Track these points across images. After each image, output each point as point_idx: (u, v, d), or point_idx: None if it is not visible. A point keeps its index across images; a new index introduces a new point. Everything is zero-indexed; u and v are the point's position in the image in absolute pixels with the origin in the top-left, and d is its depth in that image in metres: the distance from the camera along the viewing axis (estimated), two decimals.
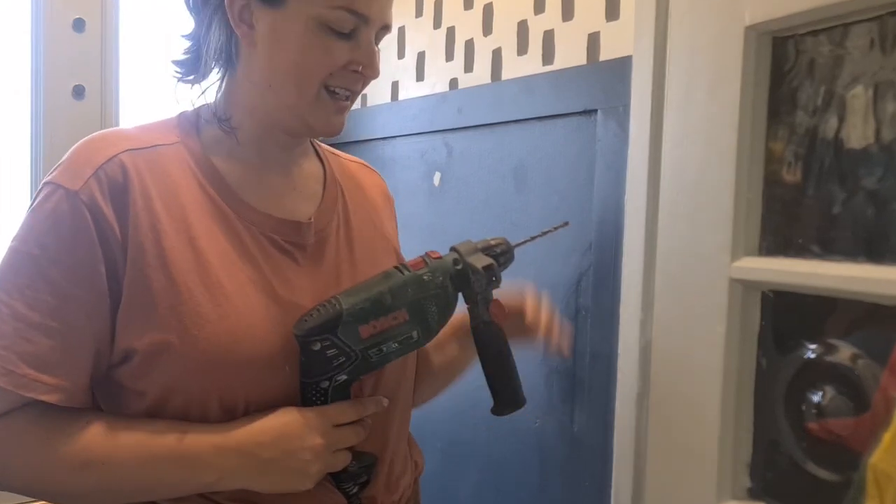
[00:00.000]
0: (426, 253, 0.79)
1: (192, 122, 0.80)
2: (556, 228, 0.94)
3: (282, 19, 0.73)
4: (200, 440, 0.69)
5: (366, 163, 0.98)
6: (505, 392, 0.83)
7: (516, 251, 0.85)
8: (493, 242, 0.84)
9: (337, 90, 0.76)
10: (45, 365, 0.67)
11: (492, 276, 0.80)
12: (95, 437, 0.69)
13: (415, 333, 0.76)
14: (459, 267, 0.79)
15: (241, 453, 0.70)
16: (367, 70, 0.77)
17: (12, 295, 0.68)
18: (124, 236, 0.70)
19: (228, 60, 0.78)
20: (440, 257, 0.79)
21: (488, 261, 0.80)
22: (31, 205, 0.71)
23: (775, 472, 0.85)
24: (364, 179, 0.95)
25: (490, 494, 1.31)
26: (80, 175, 0.70)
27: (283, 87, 0.75)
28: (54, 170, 0.72)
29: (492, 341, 0.83)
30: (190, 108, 0.82)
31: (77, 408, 0.70)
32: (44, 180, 0.72)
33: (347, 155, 0.96)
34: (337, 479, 0.76)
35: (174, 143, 0.76)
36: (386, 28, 0.79)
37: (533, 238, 0.89)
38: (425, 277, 0.77)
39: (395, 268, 0.78)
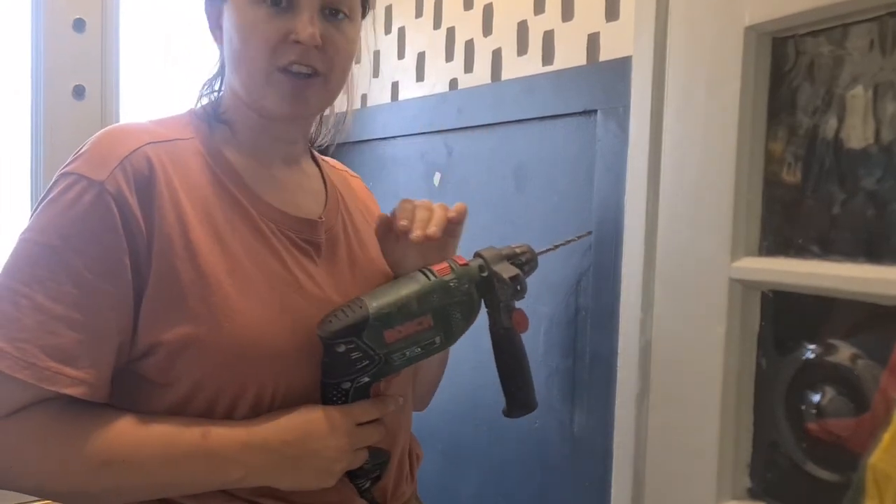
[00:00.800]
0: (451, 257, 0.79)
1: (202, 120, 0.80)
2: (579, 238, 0.94)
3: (227, 8, 0.76)
4: (226, 437, 0.69)
5: (348, 169, 0.98)
6: (518, 395, 0.84)
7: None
8: (518, 250, 0.82)
9: (291, 68, 0.74)
10: (70, 358, 0.65)
11: (517, 286, 0.79)
12: (118, 434, 0.67)
13: (437, 339, 0.76)
14: (485, 275, 0.78)
15: (268, 451, 0.69)
16: (303, 37, 0.73)
17: (32, 287, 0.65)
18: (150, 229, 0.69)
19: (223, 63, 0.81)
20: (466, 263, 0.78)
21: (515, 271, 0.79)
22: (47, 196, 0.69)
23: (775, 472, 0.85)
24: (352, 182, 0.96)
25: (490, 495, 1.31)
26: (104, 166, 0.68)
27: (238, 71, 0.77)
28: (72, 161, 0.70)
29: (510, 347, 0.83)
30: (198, 107, 0.83)
31: (98, 403, 0.69)
32: (61, 171, 0.70)
33: (331, 160, 0.96)
34: (352, 475, 0.76)
35: (190, 139, 0.77)
36: (332, 3, 0.75)
37: (556, 246, 0.89)
38: (451, 284, 0.76)
39: (421, 272, 0.77)
